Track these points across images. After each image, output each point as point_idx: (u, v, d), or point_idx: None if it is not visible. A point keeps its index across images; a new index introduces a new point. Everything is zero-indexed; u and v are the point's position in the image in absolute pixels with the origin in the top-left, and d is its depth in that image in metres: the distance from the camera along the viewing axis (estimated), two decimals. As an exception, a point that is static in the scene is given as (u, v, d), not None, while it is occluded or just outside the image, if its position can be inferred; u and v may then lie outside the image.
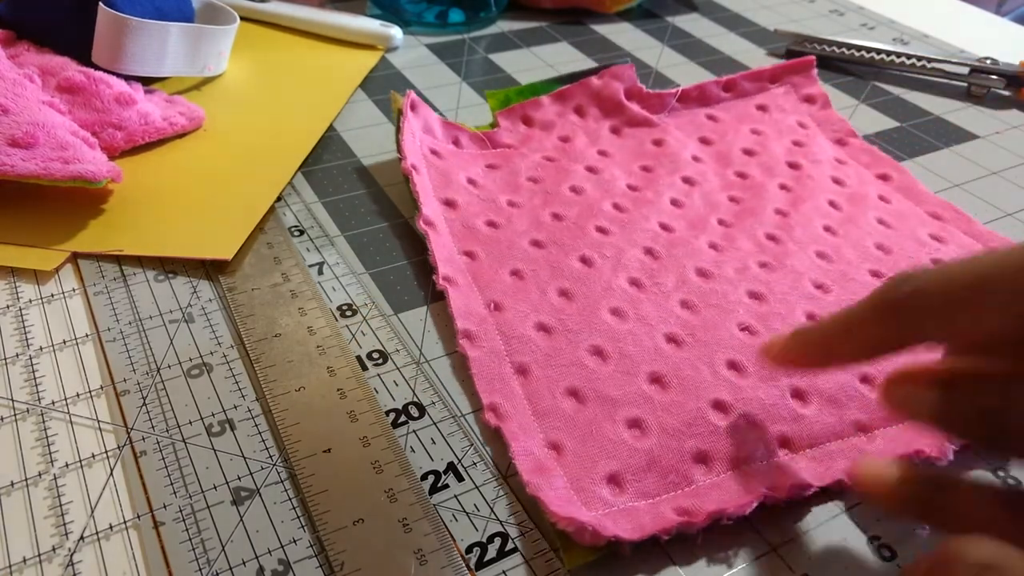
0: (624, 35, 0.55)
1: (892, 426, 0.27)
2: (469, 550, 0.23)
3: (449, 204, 0.35)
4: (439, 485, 0.24)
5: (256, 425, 0.26)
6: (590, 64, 0.51)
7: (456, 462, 0.25)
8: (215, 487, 0.24)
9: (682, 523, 0.23)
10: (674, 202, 0.37)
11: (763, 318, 0.30)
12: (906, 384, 0.22)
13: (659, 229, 0.35)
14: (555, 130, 0.41)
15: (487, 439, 0.26)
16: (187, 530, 0.23)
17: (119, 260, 0.32)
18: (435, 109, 0.45)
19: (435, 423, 0.26)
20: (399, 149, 0.36)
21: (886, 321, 0.21)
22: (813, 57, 0.46)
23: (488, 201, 0.35)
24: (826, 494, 0.25)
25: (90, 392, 0.27)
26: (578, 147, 0.40)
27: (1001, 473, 0.26)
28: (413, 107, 0.38)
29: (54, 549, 0.22)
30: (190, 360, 0.28)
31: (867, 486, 0.22)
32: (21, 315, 0.30)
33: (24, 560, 0.22)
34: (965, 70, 0.50)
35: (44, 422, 0.26)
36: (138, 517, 0.23)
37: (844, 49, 0.52)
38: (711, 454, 0.25)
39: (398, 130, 0.37)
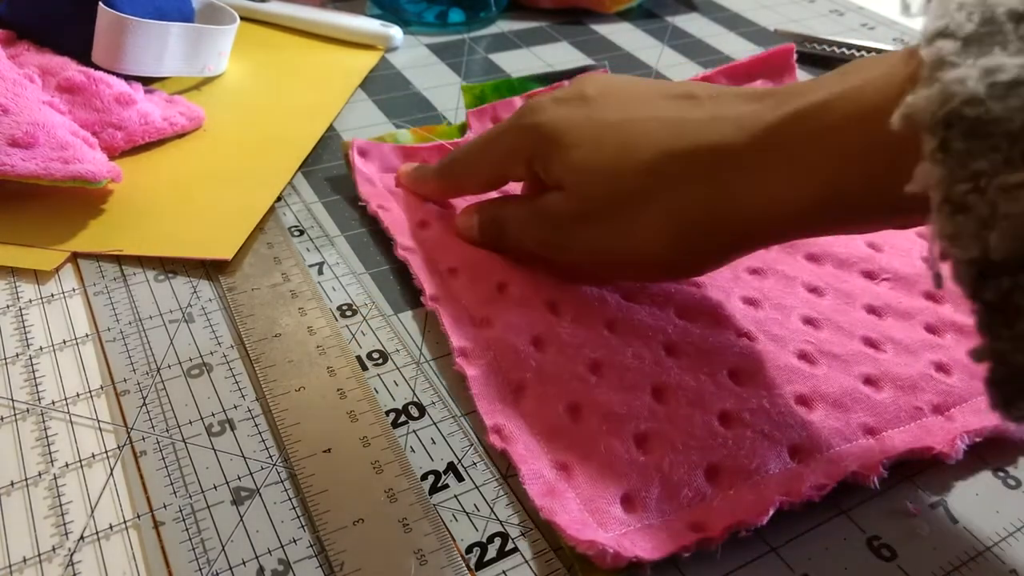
0: (624, 35, 0.55)
1: (900, 427, 0.26)
2: (469, 550, 0.23)
3: (423, 225, 0.34)
4: (439, 485, 0.24)
5: (256, 425, 0.26)
6: (589, 64, 0.51)
7: (456, 462, 0.25)
8: (215, 487, 0.24)
9: (700, 539, 0.22)
10: None
11: (760, 324, 0.30)
12: (464, 217, 0.33)
13: None
14: None
15: (487, 440, 0.26)
16: (187, 530, 0.23)
17: (119, 260, 0.32)
18: (435, 109, 0.45)
19: (435, 423, 0.26)
20: (359, 196, 0.35)
21: (442, 178, 0.35)
22: (792, 45, 0.44)
23: None
24: (828, 495, 0.25)
25: (90, 392, 0.27)
26: None
27: (1001, 474, 0.26)
28: (362, 153, 0.37)
29: (54, 549, 0.22)
30: (190, 360, 0.28)
31: (463, 238, 0.33)
32: (21, 315, 0.30)
33: (24, 560, 0.22)
34: (965, 70, 0.50)
35: (44, 422, 0.26)
36: (138, 517, 0.23)
37: (844, 49, 0.52)
38: (721, 467, 0.25)
39: (355, 183, 0.36)
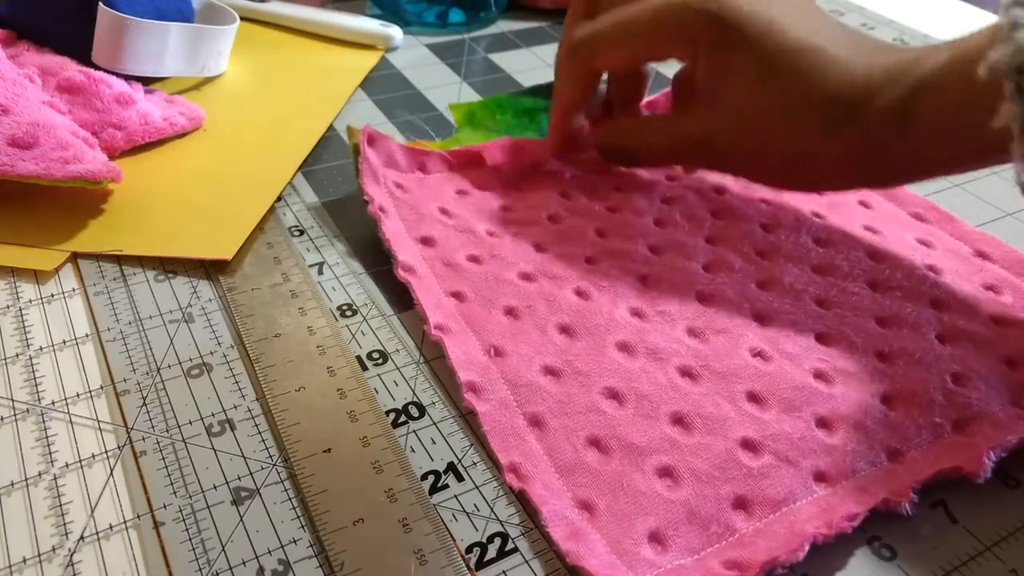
0: (624, 35, 0.55)
1: (923, 447, 0.26)
2: (469, 550, 0.23)
3: (426, 242, 0.33)
4: (439, 485, 0.24)
5: (256, 425, 0.26)
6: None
7: (456, 462, 0.25)
8: (215, 487, 0.24)
9: None
10: (657, 222, 0.35)
11: (773, 341, 0.29)
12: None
13: (649, 253, 0.33)
14: (523, 152, 0.39)
15: (503, 479, 0.25)
16: (187, 530, 0.23)
17: (119, 260, 0.32)
18: (435, 109, 0.45)
19: (435, 423, 0.26)
20: (362, 191, 0.34)
21: (571, 60, 0.35)
22: None
23: (466, 232, 0.34)
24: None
25: (90, 392, 0.27)
26: (547, 165, 0.38)
27: (1001, 474, 0.26)
28: (371, 141, 0.36)
29: (54, 549, 0.22)
30: (190, 360, 0.28)
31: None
32: (21, 315, 0.30)
33: (24, 560, 0.22)
34: (965, 70, 0.50)
35: (44, 422, 0.26)
36: (138, 517, 0.23)
37: (844, 49, 0.52)
38: (749, 499, 0.24)
39: (357, 172, 0.35)
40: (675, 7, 0.31)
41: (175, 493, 0.24)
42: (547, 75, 0.49)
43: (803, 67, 0.29)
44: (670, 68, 0.51)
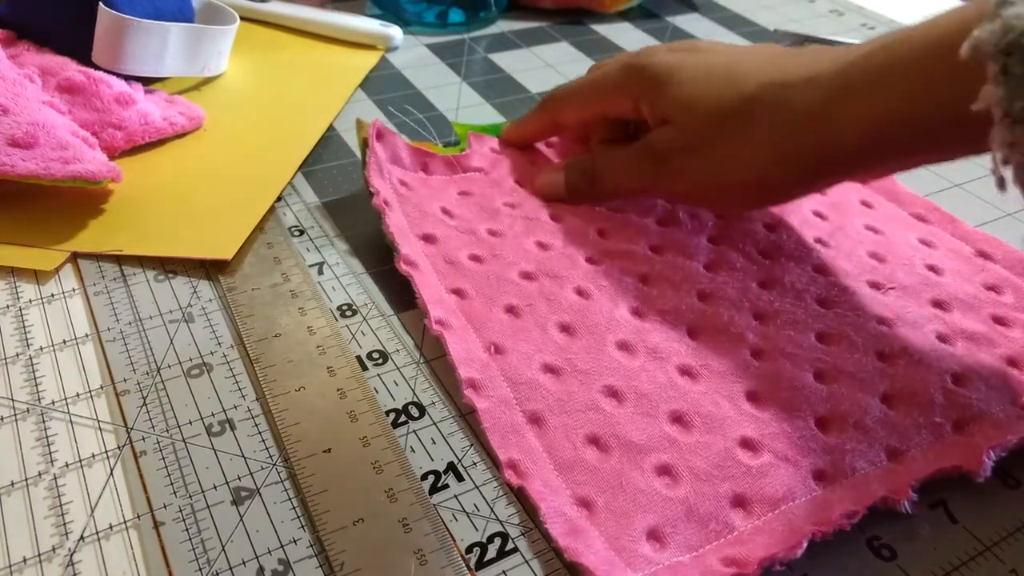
0: (624, 35, 0.55)
1: (923, 446, 0.26)
2: (469, 550, 0.23)
3: (427, 239, 0.33)
4: (439, 485, 0.24)
5: (256, 425, 0.26)
6: (589, 64, 0.51)
7: (456, 462, 0.25)
8: (215, 487, 0.24)
9: (734, 575, 0.22)
10: (660, 222, 0.35)
11: (774, 340, 0.29)
12: (546, 175, 0.37)
13: (650, 253, 0.33)
14: (525, 152, 0.39)
15: (502, 476, 0.25)
16: (187, 530, 0.23)
17: (119, 260, 0.32)
18: (435, 109, 0.45)
19: (435, 423, 0.26)
20: (367, 183, 0.34)
21: (541, 106, 0.39)
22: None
23: (467, 232, 0.34)
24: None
25: (90, 392, 0.27)
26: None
27: (1001, 473, 0.26)
28: (379, 136, 0.36)
29: (54, 549, 0.22)
30: (190, 360, 0.28)
31: (545, 195, 0.37)
32: (21, 315, 0.30)
33: (24, 560, 0.22)
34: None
35: (44, 422, 0.26)
36: (138, 517, 0.23)
37: (844, 49, 0.52)
38: (748, 497, 0.24)
39: (364, 163, 0.35)
40: (616, 66, 0.35)
41: (175, 493, 0.24)
42: (547, 75, 0.49)
43: (728, 77, 0.30)
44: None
